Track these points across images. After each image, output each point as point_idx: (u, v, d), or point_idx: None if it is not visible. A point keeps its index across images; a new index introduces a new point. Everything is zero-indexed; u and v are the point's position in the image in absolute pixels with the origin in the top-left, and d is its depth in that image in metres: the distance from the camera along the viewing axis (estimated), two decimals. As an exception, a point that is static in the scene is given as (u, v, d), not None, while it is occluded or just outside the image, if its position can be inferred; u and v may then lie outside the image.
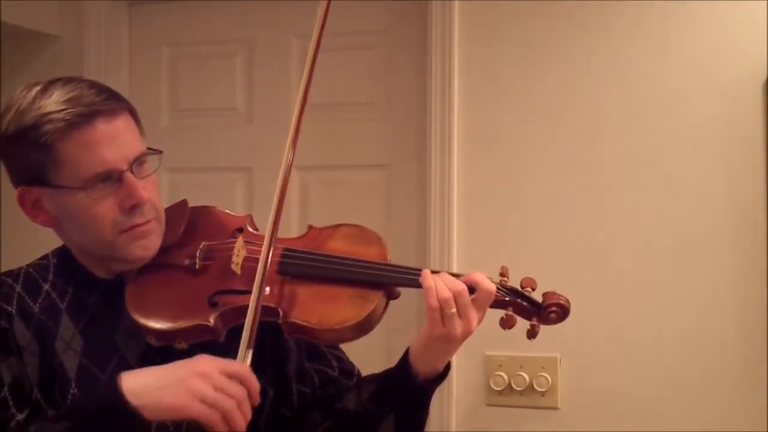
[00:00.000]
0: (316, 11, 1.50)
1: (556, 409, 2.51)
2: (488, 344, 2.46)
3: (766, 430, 2.33)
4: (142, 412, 1.29)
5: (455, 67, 2.59)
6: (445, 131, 2.59)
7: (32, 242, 2.95)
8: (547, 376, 2.50)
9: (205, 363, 1.32)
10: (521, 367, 2.51)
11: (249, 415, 1.32)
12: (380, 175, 2.77)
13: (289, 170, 1.47)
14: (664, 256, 2.44)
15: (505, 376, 2.53)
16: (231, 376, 1.31)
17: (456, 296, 1.39)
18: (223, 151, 2.91)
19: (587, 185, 2.50)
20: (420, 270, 1.43)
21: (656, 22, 2.45)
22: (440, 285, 1.40)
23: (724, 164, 2.40)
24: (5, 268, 3.09)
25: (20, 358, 1.41)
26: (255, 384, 1.33)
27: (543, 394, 2.51)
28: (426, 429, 1.53)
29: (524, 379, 2.51)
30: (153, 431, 1.40)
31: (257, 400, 1.33)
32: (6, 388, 1.39)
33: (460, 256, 2.57)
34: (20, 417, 1.39)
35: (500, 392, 2.54)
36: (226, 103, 2.93)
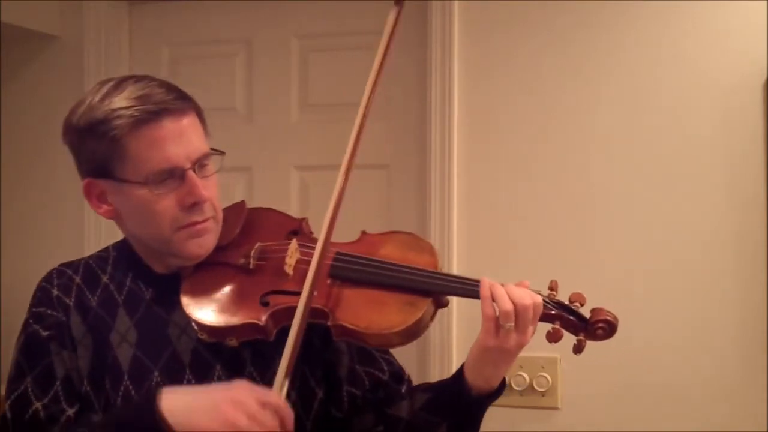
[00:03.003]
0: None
1: (556, 409, 2.52)
2: (488, 344, 2.46)
3: (766, 430, 2.33)
4: (175, 430, 1.32)
5: (455, 67, 2.59)
6: (445, 131, 2.59)
7: (33, 242, 2.96)
8: (547, 376, 2.50)
9: (242, 391, 1.34)
10: (521, 367, 2.51)
11: None
12: (380, 175, 2.77)
13: (349, 171, 1.52)
14: (664, 256, 2.44)
15: (506, 376, 2.52)
16: (266, 406, 1.33)
17: (520, 311, 1.39)
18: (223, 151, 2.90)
19: (586, 185, 2.50)
20: (478, 280, 1.44)
21: (656, 21, 2.45)
22: (503, 296, 1.40)
23: (724, 164, 2.41)
24: (5, 268, 3.10)
25: (74, 351, 1.47)
26: (289, 415, 1.35)
27: (543, 394, 2.51)
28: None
29: (524, 379, 2.51)
30: None
31: (291, 430, 1.35)
32: (58, 383, 1.45)
33: (460, 256, 2.58)
34: (70, 412, 1.45)
35: (500, 392, 2.54)
36: (226, 103, 2.93)
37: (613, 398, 2.46)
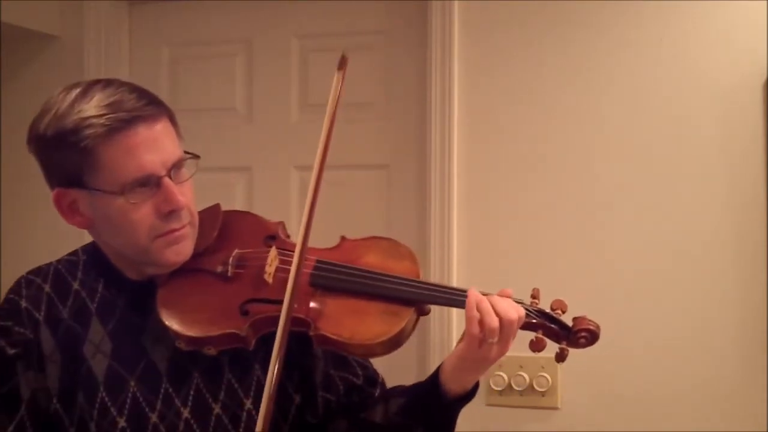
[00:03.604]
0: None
1: (556, 409, 2.52)
2: (488, 344, 2.46)
3: (766, 430, 2.33)
4: None
5: (455, 67, 2.59)
6: (445, 131, 2.59)
7: (33, 242, 2.96)
8: (547, 376, 2.50)
9: None
10: (521, 367, 2.51)
11: None
12: (380, 175, 2.77)
13: (320, 179, 1.47)
14: (664, 257, 2.44)
15: (505, 376, 2.53)
16: None
17: (506, 325, 1.38)
18: (223, 151, 2.90)
19: (586, 185, 2.50)
20: (463, 291, 1.42)
21: (656, 21, 2.45)
22: (489, 312, 1.37)
23: (724, 164, 2.41)
24: (5, 268, 3.10)
25: (41, 371, 1.42)
26: None
27: (543, 394, 2.51)
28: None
29: (524, 379, 2.51)
30: (195, 386, 1.45)
31: None
32: (23, 407, 1.41)
33: (460, 257, 2.58)
34: None
35: (500, 392, 2.54)
36: (226, 103, 2.93)
37: (613, 398, 2.46)
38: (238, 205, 2.83)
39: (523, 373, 2.51)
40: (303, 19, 2.85)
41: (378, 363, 1.63)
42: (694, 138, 2.42)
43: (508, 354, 2.55)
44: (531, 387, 2.51)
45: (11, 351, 1.42)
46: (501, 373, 2.53)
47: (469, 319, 1.38)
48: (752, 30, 2.37)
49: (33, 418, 1.41)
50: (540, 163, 2.54)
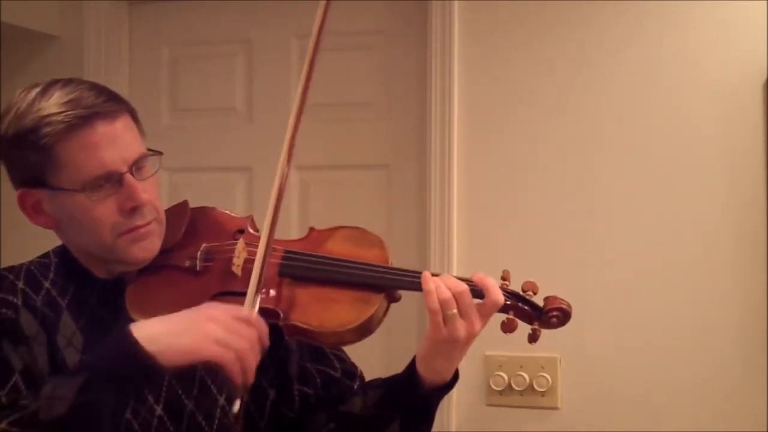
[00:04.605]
0: (316, 12, 1.48)
1: (556, 409, 2.52)
2: (488, 344, 2.46)
3: (766, 430, 2.33)
4: (156, 358, 1.27)
5: (455, 67, 2.59)
6: (445, 131, 2.59)
7: (33, 242, 2.96)
8: (547, 376, 2.50)
9: (216, 308, 1.32)
10: (521, 367, 2.51)
11: (259, 356, 1.31)
12: (380, 175, 2.77)
13: (287, 169, 1.46)
14: (664, 256, 2.44)
15: (505, 376, 2.53)
16: (240, 320, 1.31)
17: (457, 297, 1.38)
18: (223, 151, 2.91)
19: (586, 185, 2.50)
20: (420, 273, 1.42)
21: (656, 21, 2.45)
22: (440, 286, 1.38)
23: (724, 164, 2.41)
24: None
25: (29, 348, 1.40)
26: (263, 327, 1.33)
27: (543, 394, 2.51)
28: (428, 431, 1.53)
29: (524, 379, 2.51)
30: (167, 382, 1.42)
31: (267, 341, 1.33)
32: (17, 374, 1.38)
33: (460, 257, 2.58)
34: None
35: (500, 392, 2.54)
36: (226, 103, 2.93)
37: (613, 398, 2.46)
38: (239, 206, 2.84)
39: (523, 373, 2.51)
40: (303, 19, 2.82)
41: (377, 356, 1.63)
42: (694, 138, 2.42)
43: (508, 354, 2.56)
44: (531, 387, 2.51)
45: None
46: (501, 373, 2.53)
47: (426, 294, 1.38)
48: (752, 30, 2.37)
49: (27, 386, 1.37)
50: (540, 163, 2.54)
